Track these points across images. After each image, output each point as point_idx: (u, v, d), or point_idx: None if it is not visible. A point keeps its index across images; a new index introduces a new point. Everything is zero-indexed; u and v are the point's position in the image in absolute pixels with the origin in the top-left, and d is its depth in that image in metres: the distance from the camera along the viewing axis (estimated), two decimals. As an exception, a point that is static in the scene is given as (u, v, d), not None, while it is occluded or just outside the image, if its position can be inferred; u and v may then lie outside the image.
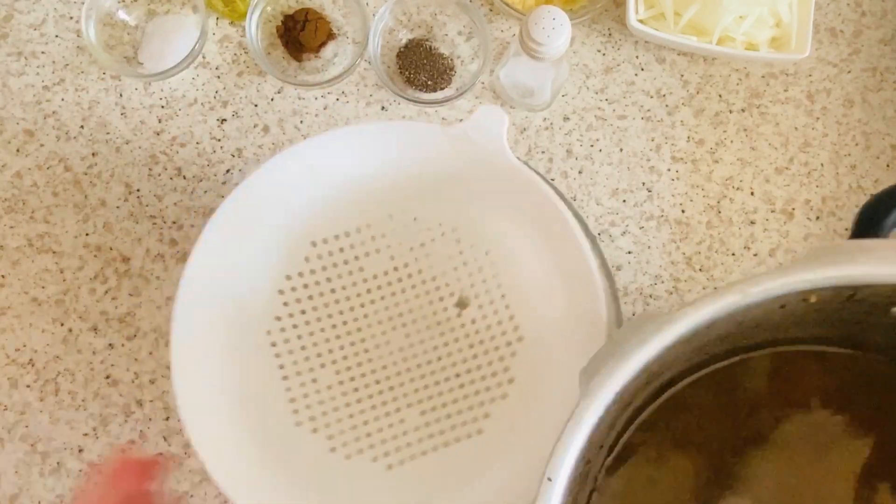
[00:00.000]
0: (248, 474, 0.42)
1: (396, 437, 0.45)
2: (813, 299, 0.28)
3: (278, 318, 0.45)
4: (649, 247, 0.53)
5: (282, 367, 0.45)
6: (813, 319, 0.31)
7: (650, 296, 0.52)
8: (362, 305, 0.46)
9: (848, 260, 0.27)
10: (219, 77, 0.53)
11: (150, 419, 0.51)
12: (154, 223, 0.52)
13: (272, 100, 0.53)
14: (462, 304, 0.46)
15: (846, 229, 0.54)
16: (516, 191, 0.43)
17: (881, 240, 0.29)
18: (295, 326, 0.45)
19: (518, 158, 0.43)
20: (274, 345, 0.45)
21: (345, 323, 0.46)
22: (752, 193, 0.54)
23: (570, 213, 0.43)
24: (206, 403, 0.42)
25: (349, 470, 0.44)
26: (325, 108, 0.54)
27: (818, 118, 0.55)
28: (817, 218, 0.54)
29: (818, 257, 0.27)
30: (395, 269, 0.47)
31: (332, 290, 0.46)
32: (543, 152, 0.54)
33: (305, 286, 0.46)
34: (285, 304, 0.45)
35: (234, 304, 0.44)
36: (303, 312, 0.46)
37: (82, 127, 0.53)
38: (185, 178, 0.53)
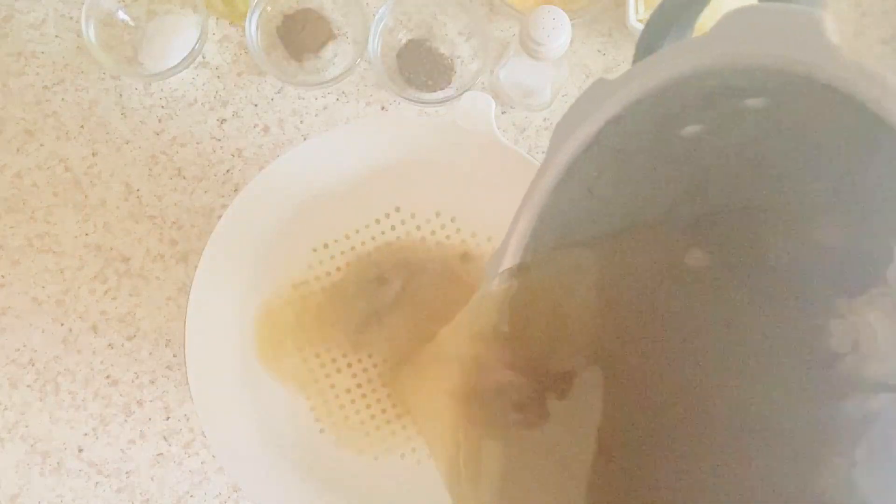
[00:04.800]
0: (258, 467, 0.42)
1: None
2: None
3: None
4: (649, 247, 0.53)
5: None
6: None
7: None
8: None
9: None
10: (219, 77, 0.53)
11: (149, 419, 0.51)
12: (154, 223, 0.52)
13: (272, 100, 0.53)
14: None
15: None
16: (512, 173, 0.43)
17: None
18: None
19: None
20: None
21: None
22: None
23: None
24: (226, 416, 0.43)
25: (376, 469, 0.45)
26: (325, 108, 0.53)
27: (818, 118, 0.55)
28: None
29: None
30: (399, 265, 0.47)
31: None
32: (543, 152, 0.54)
33: (313, 294, 0.46)
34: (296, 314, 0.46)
35: (245, 320, 0.45)
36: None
37: (82, 127, 0.53)
38: (184, 178, 0.52)
